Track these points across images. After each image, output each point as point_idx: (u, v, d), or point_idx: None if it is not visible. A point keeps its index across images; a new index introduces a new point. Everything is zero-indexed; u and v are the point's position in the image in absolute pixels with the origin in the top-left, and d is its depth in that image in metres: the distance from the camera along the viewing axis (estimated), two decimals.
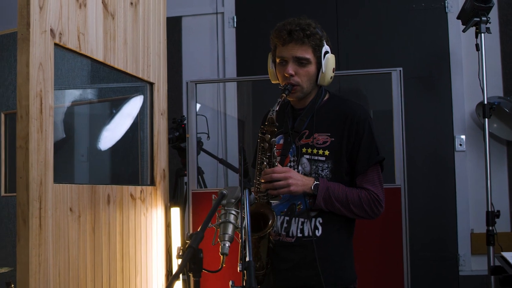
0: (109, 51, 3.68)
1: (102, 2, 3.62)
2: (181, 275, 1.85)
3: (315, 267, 2.61)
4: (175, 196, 5.01)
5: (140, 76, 4.06)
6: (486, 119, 4.45)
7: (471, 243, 5.31)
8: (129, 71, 3.92)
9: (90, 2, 3.47)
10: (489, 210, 4.38)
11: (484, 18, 4.45)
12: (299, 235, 2.71)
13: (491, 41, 5.13)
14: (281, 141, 2.82)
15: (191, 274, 1.92)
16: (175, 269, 4.29)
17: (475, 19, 4.47)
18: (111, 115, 4.81)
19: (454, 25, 5.39)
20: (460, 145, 5.40)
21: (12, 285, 3.00)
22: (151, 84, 4.24)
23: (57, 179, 3.10)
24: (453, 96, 5.44)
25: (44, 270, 2.94)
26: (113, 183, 3.80)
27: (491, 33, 4.54)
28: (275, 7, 5.84)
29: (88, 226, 3.37)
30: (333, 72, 2.79)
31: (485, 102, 4.45)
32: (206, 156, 5.17)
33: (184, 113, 4.96)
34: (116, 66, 3.77)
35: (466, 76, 5.39)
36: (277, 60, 2.77)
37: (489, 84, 4.57)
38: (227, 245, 2.07)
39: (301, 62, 2.70)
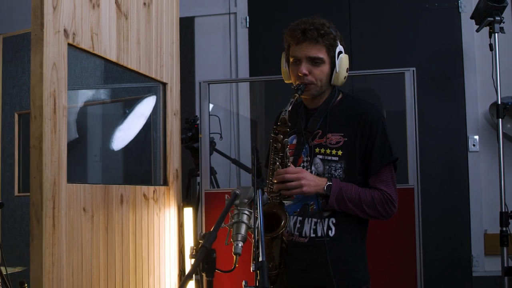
0: (122, 51, 3.69)
1: (115, 3, 3.64)
2: (194, 275, 1.84)
3: (328, 268, 2.60)
4: (188, 196, 5.02)
5: (153, 76, 4.06)
6: (500, 120, 4.43)
7: (485, 243, 5.29)
8: (142, 71, 3.93)
9: (103, 2, 3.49)
10: (503, 210, 4.36)
11: (497, 18, 4.42)
12: (312, 235, 2.71)
13: (505, 41, 5.10)
14: (294, 141, 2.82)
15: (204, 274, 1.92)
16: (188, 269, 4.30)
17: (488, 18, 4.45)
18: (124, 115, 4.82)
19: (468, 25, 5.37)
20: (474, 145, 5.38)
21: (26, 285, 3.01)
22: (164, 84, 4.25)
23: (71, 179, 3.11)
24: (466, 96, 5.43)
25: (58, 270, 2.95)
26: (126, 183, 3.81)
27: (504, 32, 4.51)
28: (287, 7, 5.84)
29: (101, 226, 3.38)
30: (347, 72, 2.78)
31: (499, 102, 4.43)
32: (219, 156, 5.18)
33: (197, 113, 4.96)
34: (129, 66, 3.78)
35: (480, 76, 5.38)
36: (291, 60, 2.76)
37: (503, 84, 4.55)
38: (240, 245, 2.06)
39: (315, 61, 2.69)
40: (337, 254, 2.66)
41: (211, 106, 4.65)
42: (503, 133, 4.48)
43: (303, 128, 2.79)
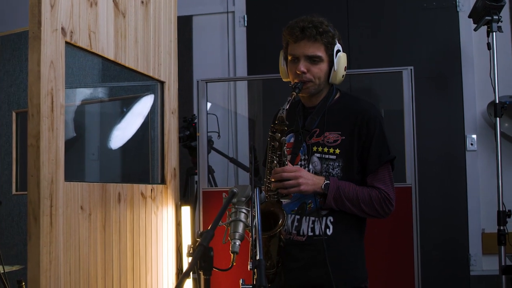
0: (120, 49, 3.69)
1: (113, 1, 3.63)
2: (191, 273, 1.84)
3: (326, 266, 2.60)
4: (186, 194, 5.02)
5: (151, 74, 4.06)
6: (498, 119, 4.43)
7: (482, 242, 5.29)
8: (140, 69, 3.92)
9: (101, 0, 3.48)
10: (500, 209, 4.36)
11: (495, 17, 4.42)
12: (310, 234, 2.71)
13: (502, 40, 5.11)
14: (292, 140, 2.82)
15: (201, 272, 1.92)
16: (185, 267, 4.30)
17: (486, 17, 4.45)
18: (122, 114, 4.82)
19: (466, 24, 5.38)
20: (471, 144, 5.38)
21: (23, 283, 3.01)
22: (162, 82, 4.25)
23: (68, 177, 3.10)
24: (464, 95, 5.43)
25: (55, 268, 2.95)
26: (124, 182, 3.80)
27: (502, 31, 4.51)
28: (285, 6, 5.84)
29: (99, 224, 3.37)
30: (345, 70, 2.78)
31: (497, 101, 4.43)
32: (217, 155, 5.18)
33: (195, 112, 4.97)
34: (127, 65, 3.77)
35: (478, 75, 5.38)
36: (289, 58, 2.77)
37: (501, 83, 4.55)
38: (237, 243, 2.06)
39: (313, 59, 2.69)
40: (335, 253, 2.66)
41: (209, 104, 4.65)
42: (500, 132, 4.48)
43: (300, 127, 2.79)
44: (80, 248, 3.17)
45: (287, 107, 2.57)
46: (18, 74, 4.48)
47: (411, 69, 4.09)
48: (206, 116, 4.46)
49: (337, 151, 2.69)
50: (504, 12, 4.83)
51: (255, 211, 2.08)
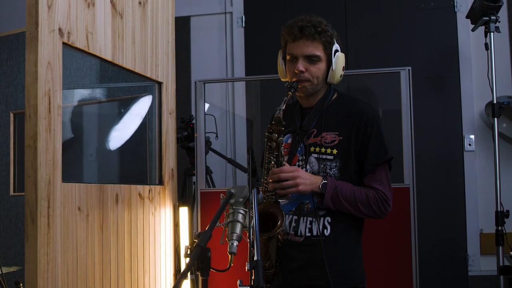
0: (118, 50, 3.68)
1: (111, 2, 3.63)
2: (189, 274, 1.84)
3: (324, 267, 2.60)
4: (184, 195, 5.01)
5: (148, 75, 4.06)
6: (495, 119, 4.44)
7: (480, 243, 5.30)
8: (137, 70, 3.92)
9: (98, 1, 3.48)
10: (498, 210, 4.36)
11: (493, 17, 4.43)
12: (308, 234, 2.70)
13: (500, 40, 5.11)
14: (289, 140, 2.82)
15: (199, 273, 1.92)
16: (183, 268, 4.30)
17: (484, 18, 4.45)
18: (119, 115, 4.81)
19: (463, 24, 5.38)
20: (469, 145, 5.38)
21: (21, 284, 3.00)
22: (160, 83, 4.24)
23: (66, 178, 3.10)
24: (462, 95, 5.43)
25: (52, 269, 2.95)
26: (122, 183, 3.80)
27: (500, 32, 4.52)
28: (283, 7, 5.84)
29: (97, 225, 3.37)
30: (343, 70, 2.78)
31: (494, 102, 4.44)
32: (215, 156, 5.17)
33: (193, 113, 4.96)
34: (124, 66, 3.77)
35: (475, 75, 5.38)
36: (288, 57, 2.76)
37: (498, 84, 4.56)
38: (235, 244, 2.06)
39: (312, 59, 2.69)
40: (332, 253, 2.66)
41: (206, 105, 4.65)
42: (498, 132, 4.49)
43: (298, 127, 2.79)
44: (77, 249, 3.17)
45: (284, 107, 2.56)
46: (16, 75, 4.47)
47: (409, 70, 4.09)
48: (204, 116, 4.46)
49: (335, 151, 2.69)
50: (502, 13, 4.83)
51: (252, 212, 2.08)
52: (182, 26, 5.93)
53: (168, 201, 4.26)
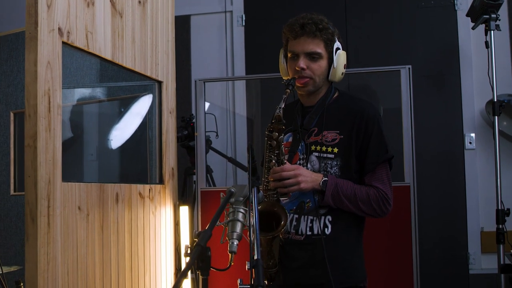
0: (117, 49, 3.68)
1: (110, 1, 3.62)
2: (189, 273, 1.84)
3: (325, 265, 2.60)
4: (184, 194, 5.01)
5: (148, 74, 4.05)
6: (496, 117, 4.44)
7: (481, 241, 5.29)
8: (137, 69, 3.92)
9: (98, 0, 3.48)
10: (499, 208, 4.36)
11: (493, 15, 4.42)
12: (309, 233, 2.70)
13: (500, 39, 5.11)
14: (290, 139, 2.81)
15: (199, 272, 1.91)
16: (183, 267, 4.29)
17: (484, 16, 4.45)
18: (120, 114, 4.81)
19: (464, 23, 5.37)
20: (470, 143, 5.38)
21: (22, 284, 3.00)
22: (160, 82, 4.24)
23: (66, 177, 3.10)
24: (462, 94, 5.43)
25: (53, 269, 2.94)
26: (122, 182, 3.80)
27: (500, 30, 4.52)
28: (283, 6, 5.83)
29: (97, 224, 3.37)
30: (344, 68, 2.78)
31: (495, 100, 4.44)
32: (215, 155, 5.17)
33: (193, 112, 4.95)
34: (124, 65, 3.77)
35: (476, 73, 5.38)
36: (289, 55, 2.76)
37: (499, 82, 4.55)
38: (235, 243, 2.05)
39: (313, 56, 2.69)
40: (333, 252, 2.66)
41: (207, 104, 4.65)
42: (499, 130, 4.48)
43: (299, 126, 2.79)
44: (78, 249, 3.17)
45: (283, 105, 2.56)
46: (16, 74, 4.47)
47: (409, 68, 4.09)
48: (204, 115, 4.46)
49: (335, 150, 2.69)
50: (502, 11, 4.82)
51: (253, 211, 2.08)
52: (182, 25, 5.92)
53: (169, 200, 4.26)
